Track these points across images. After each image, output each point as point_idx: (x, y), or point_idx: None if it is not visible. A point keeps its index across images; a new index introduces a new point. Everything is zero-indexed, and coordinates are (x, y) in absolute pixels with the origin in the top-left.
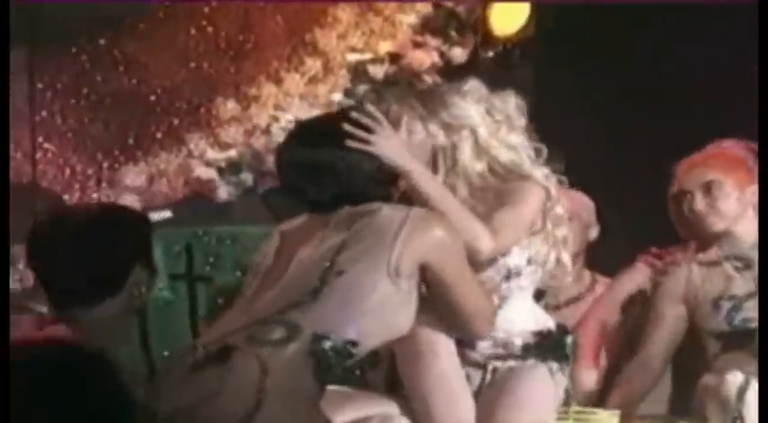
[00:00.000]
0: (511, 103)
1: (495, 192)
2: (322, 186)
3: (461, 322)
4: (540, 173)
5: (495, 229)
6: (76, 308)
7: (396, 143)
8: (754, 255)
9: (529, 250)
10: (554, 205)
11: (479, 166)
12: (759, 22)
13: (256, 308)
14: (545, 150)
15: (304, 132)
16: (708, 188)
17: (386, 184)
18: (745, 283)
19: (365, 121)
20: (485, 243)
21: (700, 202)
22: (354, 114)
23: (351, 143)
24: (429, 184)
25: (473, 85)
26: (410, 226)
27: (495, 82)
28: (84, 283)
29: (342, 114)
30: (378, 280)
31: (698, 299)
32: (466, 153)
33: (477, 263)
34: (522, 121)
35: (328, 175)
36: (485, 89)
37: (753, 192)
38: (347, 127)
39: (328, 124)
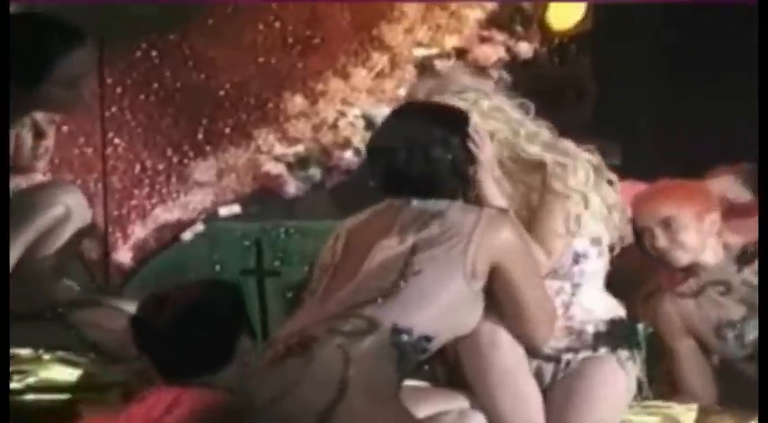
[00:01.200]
0: (460, 77)
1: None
2: (411, 161)
3: (526, 328)
4: (536, 148)
5: (548, 248)
6: (188, 378)
7: (492, 157)
8: (731, 276)
9: (587, 230)
10: (566, 174)
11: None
12: (759, 21)
13: (331, 303)
14: (531, 106)
15: (420, 110)
16: (666, 223)
17: (462, 182)
18: (736, 307)
19: (481, 133)
20: (543, 266)
21: (661, 239)
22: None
23: (470, 143)
24: (496, 198)
25: (421, 90)
26: (483, 226)
27: (554, 77)
28: (195, 362)
29: (462, 112)
30: (454, 280)
31: (699, 329)
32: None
33: None
34: (473, 83)
35: (423, 152)
36: (424, 86)
37: (712, 220)
38: (470, 130)
39: (443, 112)
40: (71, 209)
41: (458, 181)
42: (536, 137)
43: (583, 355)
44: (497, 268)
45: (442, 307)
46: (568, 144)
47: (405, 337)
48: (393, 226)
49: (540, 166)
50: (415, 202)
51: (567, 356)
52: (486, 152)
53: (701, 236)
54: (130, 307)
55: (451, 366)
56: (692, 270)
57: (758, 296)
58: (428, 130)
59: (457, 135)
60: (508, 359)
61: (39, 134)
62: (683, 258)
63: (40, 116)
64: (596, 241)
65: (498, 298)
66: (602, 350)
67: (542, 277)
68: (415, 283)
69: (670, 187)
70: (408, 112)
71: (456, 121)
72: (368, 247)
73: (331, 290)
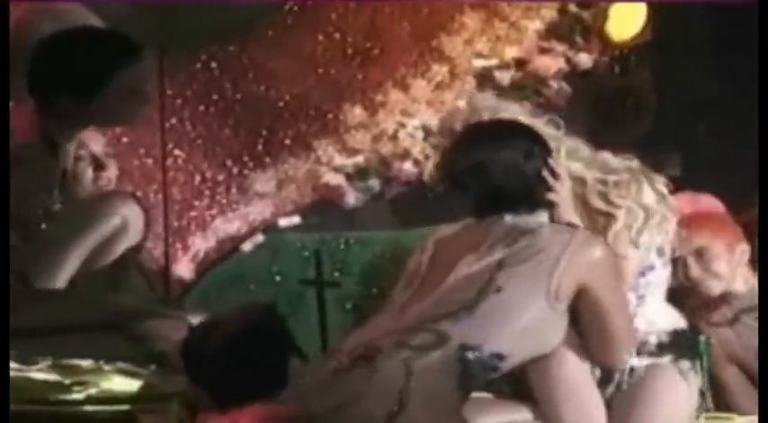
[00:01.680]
0: (487, 100)
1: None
2: (504, 176)
3: (607, 349)
4: (577, 164)
5: (622, 272)
6: (243, 405)
7: (568, 190)
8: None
9: (652, 242)
10: (607, 190)
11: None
12: (759, 21)
13: (408, 315)
14: (559, 121)
15: (492, 127)
16: (699, 253)
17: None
18: None
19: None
20: None
21: (694, 269)
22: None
23: (548, 175)
24: (572, 216)
25: (456, 119)
26: (575, 246)
27: (614, 88)
28: (249, 388)
29: (529, 129)
30: (536, 301)
31: (741, 356)
32: None
33: None
34: (501, 105)
35: (513, 165)
36: (457, 115)
37: (742, 251)
38: (551, 162)
39: (514, 126)
40: (128, 221)
41: (549, 190)
42: (576, 153)
43: (646, 361)
44: (584, 289)
45: (521, 326)
46: (607, 156)
47: (471, 354)
48: (483, 241)
49: (582, 183)
50: (509, 217)
51: (630, 362)
52: (560, 166)
53: (731, 266)
54: (194, 319)
55: (516, 378)
56: (724, 299)
57: (758, 295)
58: (512, 143)
59: (537, 144)
60: (575, 375)
61: (99, 166)
62: (716, 288)
63: (98, 150)
64: (660, 251)
65: (582, 319)
66: (665, 359)
67: (627, 301)
68: (496, 299)
69: (701, 218)
70: (481, 131)
71: (529, 132)
72: (454, 262)
73: (411, 301)
